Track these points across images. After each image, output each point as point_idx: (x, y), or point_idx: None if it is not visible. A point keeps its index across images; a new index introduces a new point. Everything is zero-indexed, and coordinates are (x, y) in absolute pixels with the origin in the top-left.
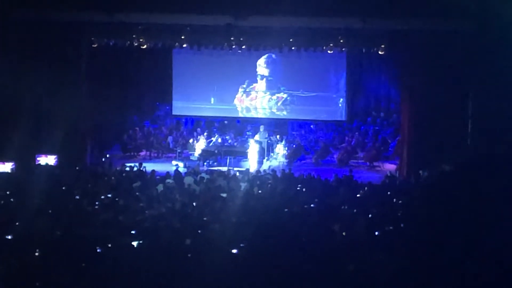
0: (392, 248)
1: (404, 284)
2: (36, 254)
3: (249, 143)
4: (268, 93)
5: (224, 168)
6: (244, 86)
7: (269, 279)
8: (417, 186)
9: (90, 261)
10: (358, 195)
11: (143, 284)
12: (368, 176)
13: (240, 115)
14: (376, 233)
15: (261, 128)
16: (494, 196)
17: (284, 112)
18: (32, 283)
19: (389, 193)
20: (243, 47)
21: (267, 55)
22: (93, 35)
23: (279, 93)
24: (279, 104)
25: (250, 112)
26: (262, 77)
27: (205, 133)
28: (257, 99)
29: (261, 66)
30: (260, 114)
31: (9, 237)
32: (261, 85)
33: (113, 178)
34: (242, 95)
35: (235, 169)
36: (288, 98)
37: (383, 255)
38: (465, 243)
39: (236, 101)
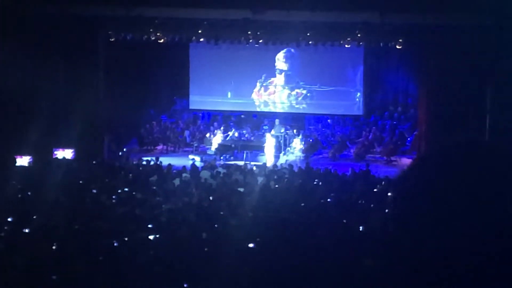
0: (409, 243)
1: (423, 279)
2: (53, 247)
3: (266, 138)
4: (287, 87)
5: (241, 163)
6: (262, 80)
7: (286, 274)
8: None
9: (106, 254)
10: (375, 190)
11: (159, 277)
12: (385, 170)
13: (258, 109)
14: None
15: (276, 121)
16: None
17: (304, 105)
18: (49, 276)
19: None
20: (261, 41)
21: (285, 49)
22: (111, 29)
23: (298, 88)
24: (299, 99)
25: (268, 106)
26: (281, 71)
27: (222, 128)
28: (276, 94)
29: (280, 61)
30: (279, 108)
31: (27, 230)
32: (279, 79)
33: (130, 172)
34: (260, 89)
35: (252, 163)
36: (308, 94)
37: (401, 250)
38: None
39: (254, 95)
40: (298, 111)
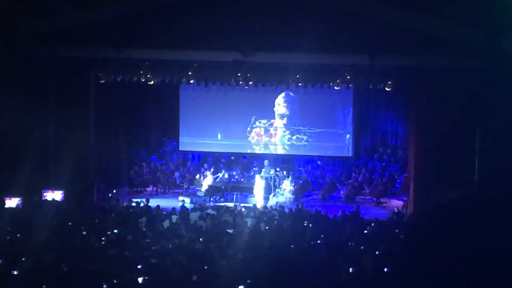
0: (399, 284)
1: None
2: None
3: (255, 179)
4: (288, 132)
5: (231, 204)
6: (257, 121)
7: None
8: (419, 219)
9: None
10: (365, 232)
11: None
12: (375, 212)
13: (251, 150)
14: (385, 269)
15: (265, 162)
16: (497, 232)
17: (305, 145)
18: None
19: (396, 230)
20: (250, 83)
21: (284, 92)
22: (101, 70)
23: (299, 133)
24: (300, 143)
25: (269, 149)
26: (281, 116)
27: (212, 169)
28: (277, 136)
29: (280, 105)
30: (279, 150)
31: (16, 272)
32: (279, 122)
33: (119, 213)
34: (260, 131)
35: (242, 205)
36: (310, 139)
37: None
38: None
39: (253, 135)
40: (293, 153)
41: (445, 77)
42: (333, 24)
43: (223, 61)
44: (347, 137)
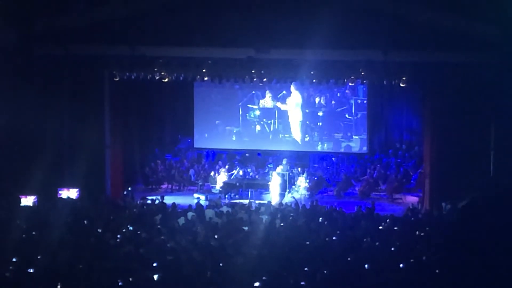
0: (415, 280)
1: None
2: (58, 287)
3: (270, 176)
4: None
5: (246, 201)
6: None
7: None
8: (438, 219)
9: None
10: (380, 228)
11: None
12: (390, 208)
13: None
14: (401, 265)
15: (284, 161)
16: None
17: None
18: None
19: (411, 225)
20: (265, 80)
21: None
22: (115, 68)
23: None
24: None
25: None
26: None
27: (227, 166)
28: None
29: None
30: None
31: (31, 270)
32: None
33: (134, 211)
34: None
35: (257, 201)
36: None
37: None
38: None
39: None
40: (304, 150)
41: (460, 73)
42: (347, 20)
43: (237, 58)
44: (361, 133)
